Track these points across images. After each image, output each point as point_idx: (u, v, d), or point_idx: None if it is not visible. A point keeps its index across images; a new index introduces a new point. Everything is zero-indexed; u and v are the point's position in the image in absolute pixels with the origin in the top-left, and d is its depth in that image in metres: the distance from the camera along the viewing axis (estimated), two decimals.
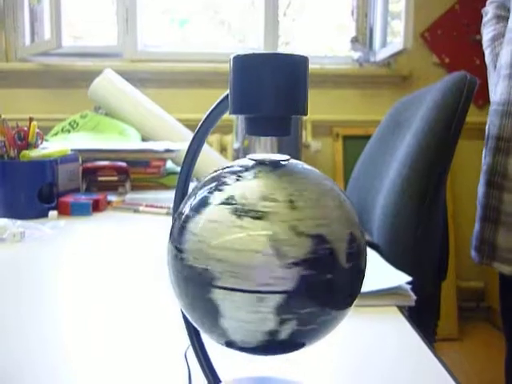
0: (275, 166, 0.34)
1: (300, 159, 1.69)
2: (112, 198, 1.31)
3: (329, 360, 0.51)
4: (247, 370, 0.47)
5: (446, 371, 0.49)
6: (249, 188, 0.32)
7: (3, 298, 0.66)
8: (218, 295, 0.31)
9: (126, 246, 0.94)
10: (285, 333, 0.31)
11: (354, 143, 2.51)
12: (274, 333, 0.31)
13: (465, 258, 2.45)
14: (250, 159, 0.35)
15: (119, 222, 1.13)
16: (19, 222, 0.99)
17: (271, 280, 0.30)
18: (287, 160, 0.35)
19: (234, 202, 0.31)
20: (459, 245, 2.48)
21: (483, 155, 1.10)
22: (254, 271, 0.30)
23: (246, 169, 0.34)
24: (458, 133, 0.97)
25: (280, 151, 1.34)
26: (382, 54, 2.46)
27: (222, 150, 2.39)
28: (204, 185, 0.34)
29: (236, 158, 1.77)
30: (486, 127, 1.10)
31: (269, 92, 0.32)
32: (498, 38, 1.15)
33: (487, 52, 1.19)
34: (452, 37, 2.52)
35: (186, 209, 0.34)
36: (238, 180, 0.33)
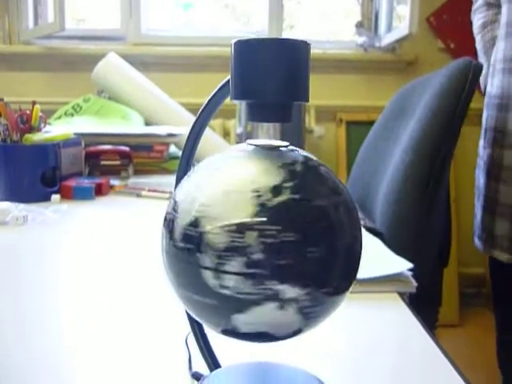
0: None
1: (303, 144, 1.68)
2: (115, 182, 1.31)
3: (328, 345, 0.52)
4: (246, 355, 0.47)
5: (446, 358, 0.49)
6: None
7: (5, 281, 0.66)
8: None
9: (128, 230, 0.94)
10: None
11: (357, 129, 2.49)
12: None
13: (466, 243, 2.45)
14: (249, 144, 0.35)
15: (122, 206, 1.13)
16: (22, 206, 0.99)
17: None
18: (286, 146, 0.35)
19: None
20: (461, 231, 2.48)
21: (481, 146, 1.11)
22: None
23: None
24: (462, 119, 0.96)
25: (283, 136, 1.34)
26: (386, 39, 2.44)
27: (225, 134, 2.38)
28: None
29: (239, 143, 1.77)
30: (484, 119, 1.12)
31: (270, 78, 0.32)
32: (488, 24, 1.19)
33: (478, 37, 1.23)
34: (457, 22, 2.49)
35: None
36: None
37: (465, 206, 2.48)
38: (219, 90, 0.37)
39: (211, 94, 0.38)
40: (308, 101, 0.33)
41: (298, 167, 0.33)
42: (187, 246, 0.32)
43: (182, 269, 0.32)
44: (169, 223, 0.34)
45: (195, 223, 0.32)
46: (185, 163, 0.41)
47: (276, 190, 0.31)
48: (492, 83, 1.08)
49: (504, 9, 1.06)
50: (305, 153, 0.35)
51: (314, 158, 0.35)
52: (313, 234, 0.31)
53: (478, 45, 1.23)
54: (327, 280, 0.32)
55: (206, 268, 0.31)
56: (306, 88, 0.33)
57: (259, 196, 0.31)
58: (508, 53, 1.02)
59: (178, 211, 0.33)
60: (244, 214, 0.31)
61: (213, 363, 0.42)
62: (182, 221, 0.33)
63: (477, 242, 1.11)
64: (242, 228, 0.30)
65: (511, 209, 1.00)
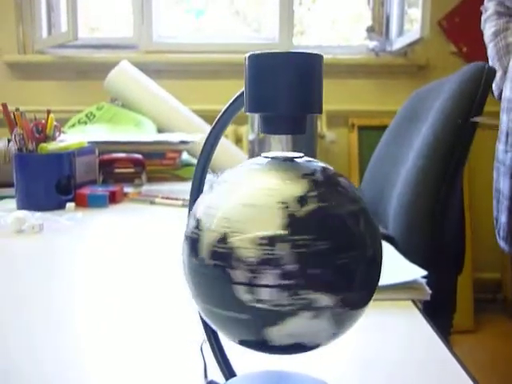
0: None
1: (315, 150, 1.68)
2: (128, 189, 1.32)
3: (342, 353, 0.52)
4: (262, 364, 0.48)
5: (460, 365, 0.49)
6: None
7: (22, 288, 0.67)
8: None
9: (142, 237, 0.95)
10: None
11: (369, 134, 2.49)
12: None
13: (481, 249, 2.43)
14: (264, 157, 0.35)
15: (135, 213, 1.14)
16: (38, 214, 1.00)
17: None
18: (301, 157, 0.35)
19: None
20: (476, 236, 2.46)
21: (500, 150, 1.12)
22: None
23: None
24: (475, 124, 0.96)
25: (295, 143, 1.34)
26: (398, 43, 2.43)
27: (238, 141, 2.39)
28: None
29: (251, 149, 1.77)
30: (503, 123, 1.13)
31: (283, 91, 0.32)
32: (500, 32, 1.25)
33: (491, 45, 1.27)
34: (470, 25, 2.47)
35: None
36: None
37: (479, 211, 2.46)
38: (233, 102, 0.38)
39: (225, 106, 0.38)
40: (321, 112, 0.34)
41: (318, 177, 0.33)
42: (217, 263, 0.32)
43: (210, 286, 0.32)
44: (192, 242, 0.34)
45: (223, 240, 0.32)
46: (200, 174, 0.41)
47: (302, 200, 0.32)
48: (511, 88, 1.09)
49: None
50: (321, 163, 0.35)
51: (331, 168, 0.35)
52: (343, 241, 0.32)
53: (491, 52, 1.26)
54: (357, 286, 0.33)
55: (239, 283, 0.31)
56: (320, 100, 0.34)
57: (286, 207, 0.31)
58: None
59: (201, 229, 0.33)
60: (273, 225, 0.31)
61: (228, 372, 0.42)
62: (208, 238, 0.33)
63: (502, 243, 1.14)
64: (273, 240, 0.31)
65: None
